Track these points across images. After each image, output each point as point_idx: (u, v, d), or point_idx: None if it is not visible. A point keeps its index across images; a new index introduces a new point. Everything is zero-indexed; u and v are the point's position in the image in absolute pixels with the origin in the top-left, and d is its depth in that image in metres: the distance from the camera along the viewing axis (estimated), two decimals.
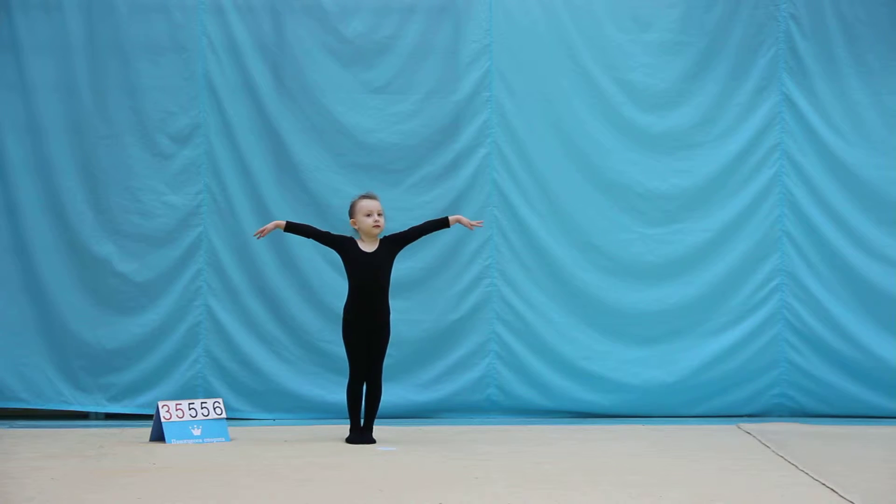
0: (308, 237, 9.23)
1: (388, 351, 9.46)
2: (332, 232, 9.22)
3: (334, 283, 11.02)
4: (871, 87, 11.33)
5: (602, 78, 11.37)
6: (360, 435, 9.23)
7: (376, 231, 9.05)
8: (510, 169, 11.32)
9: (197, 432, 9.49)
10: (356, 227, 9.14)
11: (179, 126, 11.20)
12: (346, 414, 9.44)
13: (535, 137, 11.33)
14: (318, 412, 11.07)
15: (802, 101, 11.34)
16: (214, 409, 9.65)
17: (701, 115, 11.39)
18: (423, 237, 9.52)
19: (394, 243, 9.13)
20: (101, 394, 11.10)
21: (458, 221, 9.35)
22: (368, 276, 8.99)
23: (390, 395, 10.89)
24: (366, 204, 9.06)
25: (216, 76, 11.23)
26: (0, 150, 11.11)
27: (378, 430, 9.49)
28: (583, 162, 11.35)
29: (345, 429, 9.63)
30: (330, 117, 11.27)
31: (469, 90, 11.33)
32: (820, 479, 7.50)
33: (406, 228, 9.34)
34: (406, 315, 11.08)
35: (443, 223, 9.31)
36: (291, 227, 9.20)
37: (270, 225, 9.26)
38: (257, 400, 11.17)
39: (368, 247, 9.07)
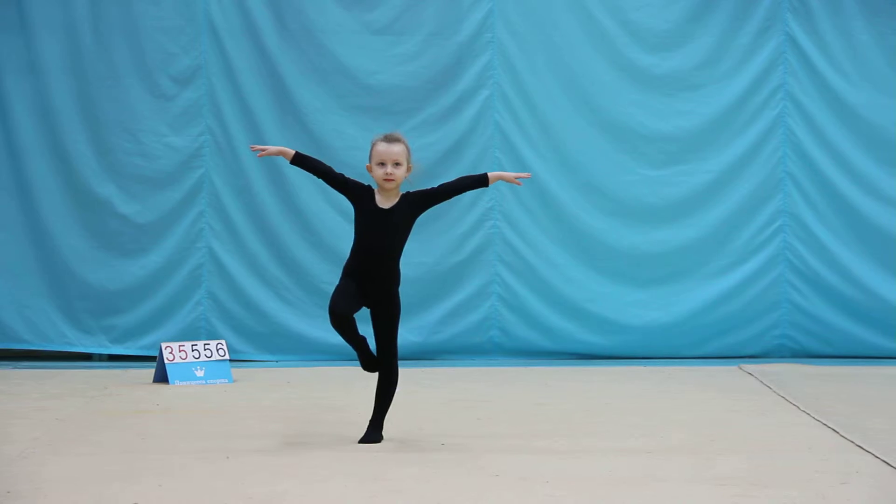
0: (318, 175, 7.18)
1: None
2: (347, 176, 7.09)
3: (336, 226, 11.01)
4: (875, 27, 11.25)
5: (605, 18, 11.30)
6: (370, 432, 7.00)
7: (388, 186, 6.95)
8: (512, 111, 11.27)
9: (200, 374, 9.52)
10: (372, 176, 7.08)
11: (181, 67, 11.14)
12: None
13: (538, 79, 11.28)
14: (321, 353, 11.07)
15: (806, 41, 11.27)
16: (217, 350, 9.67)
17: (704, 56, 11.33)
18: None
19: (418, 201, 7.06)
20: (104, 335, 11.12)
21: (501, 178, 7.23)
22: (379, 236, 7.03)
23: None
24: (380, 150, 6.98)
25: (217, 17, 11.16)
26: (1, 92, 11.06)
27: None
28: (585, 103, 11.30)
29: (348, 370, 9.63)
30: (332, 58, 11.21)
31: (471, 31, 11.26)
32: (821, 419, 7.52)
33: (437, 185, 7.11)
34: (408, 257, 10.88)
35: (481, 181, 7.12)
36: (300, 160, 7.18)
37: (274, 148, 7.38)
38: (260, 342, 11.18)
39: (386, 201, 7.00)
